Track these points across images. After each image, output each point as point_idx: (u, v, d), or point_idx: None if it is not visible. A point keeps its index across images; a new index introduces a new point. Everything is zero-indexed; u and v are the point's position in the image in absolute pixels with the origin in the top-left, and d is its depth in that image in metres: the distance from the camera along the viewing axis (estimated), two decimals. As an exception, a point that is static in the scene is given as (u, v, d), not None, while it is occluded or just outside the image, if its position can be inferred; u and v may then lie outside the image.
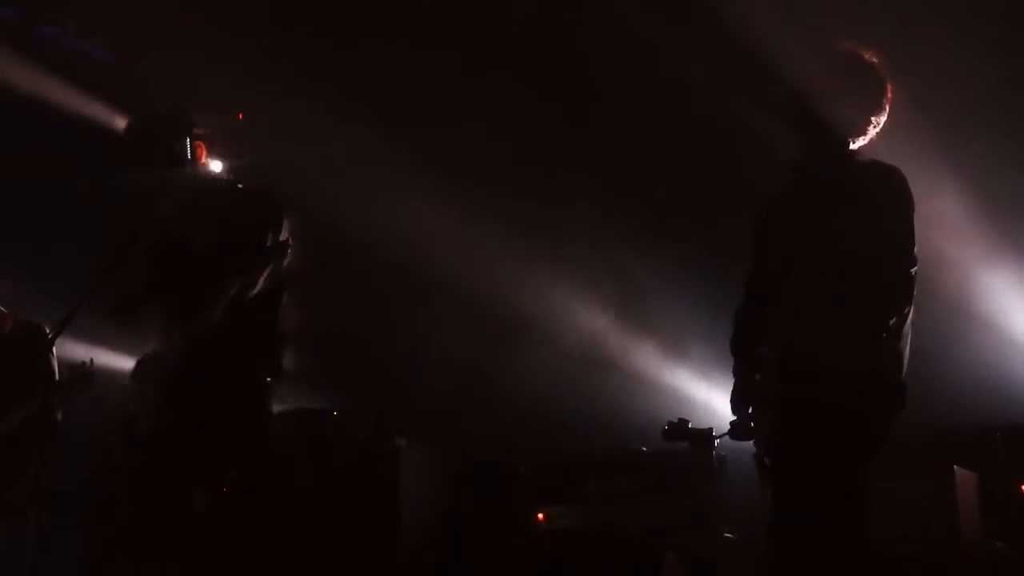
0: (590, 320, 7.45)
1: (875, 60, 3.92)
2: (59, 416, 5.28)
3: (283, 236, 4.39)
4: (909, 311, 3.75)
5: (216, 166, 4.53)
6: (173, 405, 4.18)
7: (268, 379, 4.34)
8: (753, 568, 5.38)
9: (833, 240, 3.60)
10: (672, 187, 7.38)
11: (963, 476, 5.85)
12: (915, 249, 3.77)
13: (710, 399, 6.85)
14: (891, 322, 3.70)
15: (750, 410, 3.94)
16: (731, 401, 4.03)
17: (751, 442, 3.95)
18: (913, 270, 3.75)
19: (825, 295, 3.63)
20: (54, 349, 5.21)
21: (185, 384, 4.17)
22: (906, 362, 3.75)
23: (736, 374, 4.02)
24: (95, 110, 5.74)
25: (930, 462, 5.85)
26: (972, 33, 6.22)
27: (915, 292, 3.76)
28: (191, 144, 4.44)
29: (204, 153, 4.47)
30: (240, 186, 4.56)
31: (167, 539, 4.14)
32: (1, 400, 5.24)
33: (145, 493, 4.18)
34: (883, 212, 3.70)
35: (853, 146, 3.91)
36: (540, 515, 6.49)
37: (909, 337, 3.76)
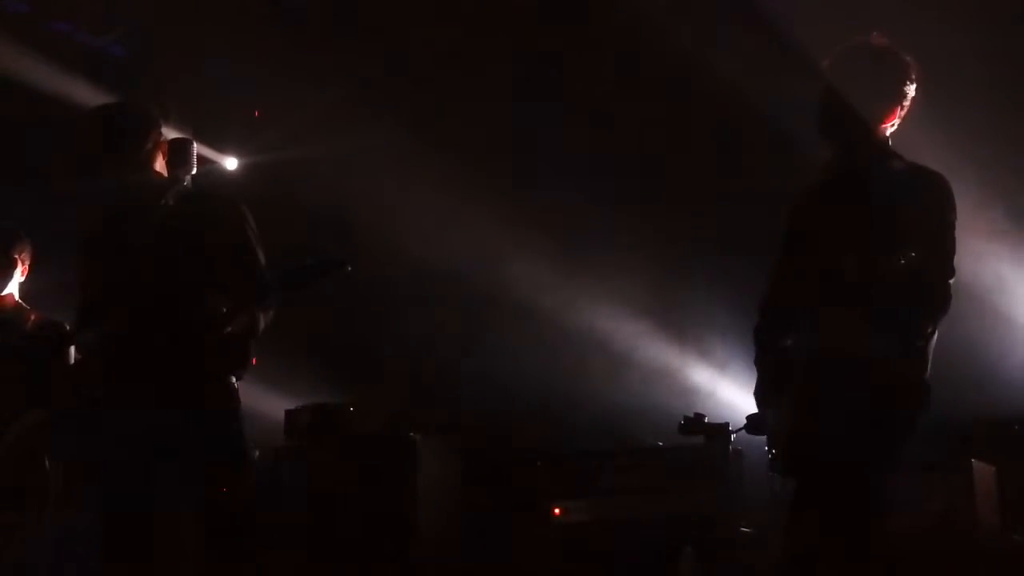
0: (607, 315, 7.43)
1: (885, 42, 3.88)
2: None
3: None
4: (941, 320, 3.71)
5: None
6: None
7: (234, 380, 4.24)
8: (770, 562, 5.37)
9: (872, 242, 3.54)
10: (694, 182, 7.35)
11: (981, 469, 5.84)
12: (954, 259, 3.72)
13: (726, 394, 6.85)
14: (928, 330, 3.67)
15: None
16: (755, 394, 4.01)
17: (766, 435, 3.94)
18: (951, 280, 3.70)
19: (861, 296, 3.58)
20: (72, 348, 5.20)
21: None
22: (930, 363, 3.72)
23: (758, 364, 4.00)
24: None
25: (948, 455, 5.84)
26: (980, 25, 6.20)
27: (951, 304, 3.70)
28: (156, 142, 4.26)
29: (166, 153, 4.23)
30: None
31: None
32: (17, 399, 5.25)
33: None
34: (926, 218, 3.64)
35: (890, 129, 3.87)
36: (556, 509, 6.48)
37: (935, 339, 3.73)
